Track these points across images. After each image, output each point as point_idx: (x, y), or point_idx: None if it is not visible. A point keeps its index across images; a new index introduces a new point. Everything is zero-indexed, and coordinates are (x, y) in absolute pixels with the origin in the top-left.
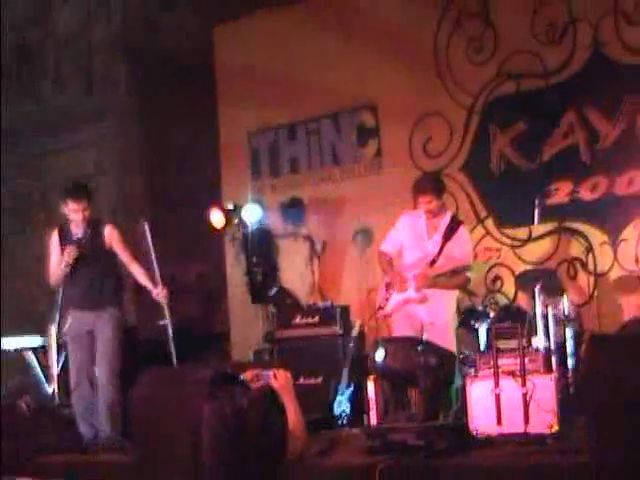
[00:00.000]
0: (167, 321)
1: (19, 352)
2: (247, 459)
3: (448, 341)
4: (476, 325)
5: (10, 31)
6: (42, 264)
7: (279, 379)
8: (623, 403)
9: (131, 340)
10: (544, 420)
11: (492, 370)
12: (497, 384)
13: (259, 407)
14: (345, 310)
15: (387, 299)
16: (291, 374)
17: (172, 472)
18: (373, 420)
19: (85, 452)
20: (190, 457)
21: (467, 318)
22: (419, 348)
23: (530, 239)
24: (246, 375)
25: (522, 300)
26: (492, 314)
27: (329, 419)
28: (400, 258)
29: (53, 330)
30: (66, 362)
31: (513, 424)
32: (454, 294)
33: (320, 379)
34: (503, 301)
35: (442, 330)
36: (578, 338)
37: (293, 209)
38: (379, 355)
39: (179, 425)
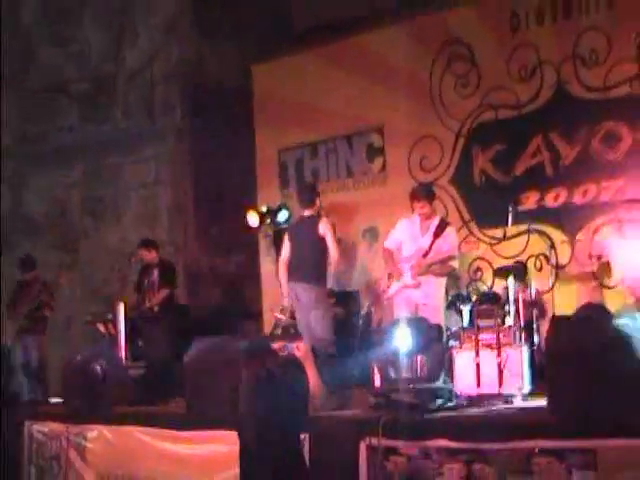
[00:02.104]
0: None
1: (93, 324)
2: (275, 412)
3: (438, 319)
4: (461, 307)
5: (89, 66)
6: (113, 255)
7: (301, 350)
8: (575, 370)
9: (184, 316)
10: (514, 383)
11: (473, 343)
12: (477, 354)
13: (285, 371)
14: (356, 294)
15: (389, 285)
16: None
17: (215, 418)
18: (378, 382)
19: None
20: (229, 407)
21: (454, 301)
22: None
23: (505, 238)
24: (275, 346)
25: (498, 287)
26: (474, 298)
27: (341, 381)
28: (399, 252)
29: (121, 306)
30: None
31: (490, 386)
32: (443, 281)
33: (335, 349)
34: (483, 288)
35: (433, 310)
36: (542, 318)
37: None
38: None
39: (221, 383)
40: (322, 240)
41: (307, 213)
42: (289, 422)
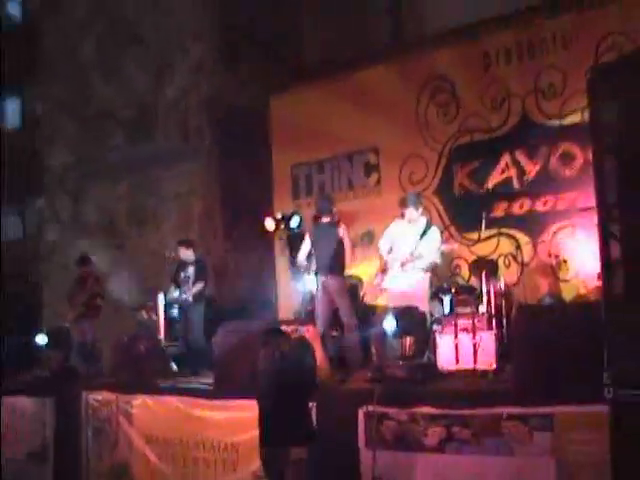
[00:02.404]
0: None
1: (137, 310)
2: (288, 384)
3: (424, 307)
4: (442, 297)
5: (134, 96)
6: (154, 256)
7: (311, 332)
8: (536, 349)
9: (213, 305)
10: (487, 360)
11: (453, 327)
12: (456, 336)
13: (297, 351)
14: (356, 286)
15: (382, 278)
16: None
17: (238, 388)
18: (375, 359)
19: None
20: (249, 382)
21: (436, 292)
22: (413, 313)
23: (479, 240)
24: (289, 329)
25: (473, 281)
26: (453, 290)
27: (343, 359)
28: (391, 250)
29: (160, 296)
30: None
31: (466, 363)
32: (427, 275)
33: (337, 332)
34: (461, 281)
35: (420, 300)
36: (509, 307)
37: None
38: (389, 321)
39: (243, 361)
40: (341, 241)
41: (326, 220)
42: (300, 392)
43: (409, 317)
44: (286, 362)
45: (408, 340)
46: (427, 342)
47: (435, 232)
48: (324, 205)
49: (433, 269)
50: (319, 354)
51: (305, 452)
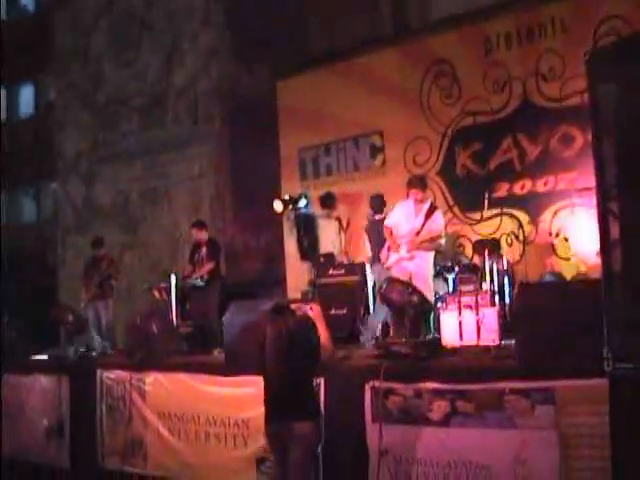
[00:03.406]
0: None
1: (149, 291)
2: (294, 359)
3: (428, 286)
4: (446, 275)
5: (146, 83)
6: (166, 236)
7: (314, 310)
8: (537, 325)
9: (224, 284)
10: (490, 337)
11: (457, 304)
12: (460, 313)
13: (302, 327)
14: (362, 265)
15: (388, 257)
16: (325, 307)
17: (247, 365)
18: (380, 336)
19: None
20: (258, 356)
21: (441, 270)
22: (409, 290)
23: (482, 219)
24: (294, 307)
25: (477, 259)
26: (457, 268)
27: (352, 336)
28: (397, 230)
29: (173, 277)
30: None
31: (470, 339)
32: (432, 254)
33: (345, 310)
34: (465, 260)
35: (424, 278)
36: (512, 284)
37: (328, 199)
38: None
39: (252, 337)
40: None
41: (378, 217)
42: (304, 367)
43: (412, 295)
44: (292, 339)
45: (408, 318)
46: (426, 322)
47: (439, 213)
48: (377, 203)
49: (437, 249)
50: (322, 330)
51: (310, 427)
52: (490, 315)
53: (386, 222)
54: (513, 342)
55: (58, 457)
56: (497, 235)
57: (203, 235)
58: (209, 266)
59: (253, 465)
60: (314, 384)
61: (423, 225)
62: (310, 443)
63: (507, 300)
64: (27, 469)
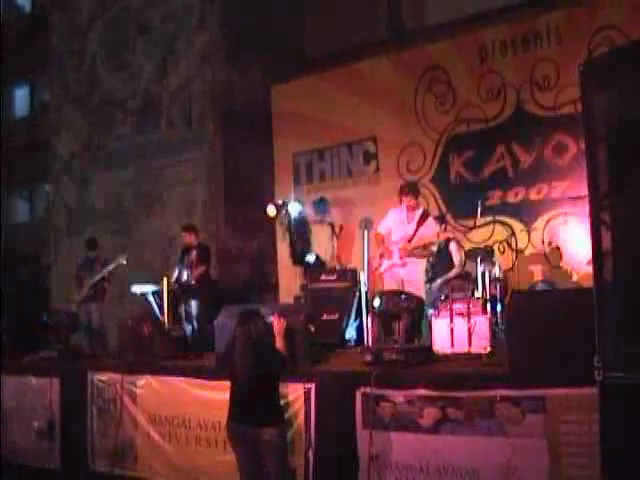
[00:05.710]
0: None
1: (143, 294)
2: (261, 365)
3: (420, 292)
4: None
5: (140, 87)
6: (159, 239)
7: (279, 322)
8: (529, 333)
9: (216, 289)
10: (481, 344)
11: (448, 311)
12: (452, 320)
13: (267, 334)
14: (354, 271)
15: (380, 263)
16: (317, 312)
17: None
18: (370, 343)
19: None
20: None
21: (433, 277)
22: (402, 297)
23: (475, 227)
24: (263, 313)
25: (469, 266)
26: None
27: (342, 342)
28: (389, 237)
29: (165, 280)
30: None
31: (461, 346)
32: (424, 261)
33: (337, 316)
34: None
35: (416, 285)
36: (504, 292)
37: (321, 205)
38: (377, 302)
39: (231, 338)
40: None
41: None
42: (270, 373)
43: (406, 301)
44: (258, 344)
45: (399, 324)
46: (419, 326)
47: (431, 220)
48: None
49: (429, 255)
50: (279, 343)
51: (276, 432)
52: (482, 323)
53: (378, 229)
54: (504, 350)
55: (48, 459)
56: (490, 243)
57: (192, 239)
58: (200, 270)
59: None
60: (279, 391)
61: (415, 232)
62: (280, 449)
63: (499, 308)
64: (18, 471)
